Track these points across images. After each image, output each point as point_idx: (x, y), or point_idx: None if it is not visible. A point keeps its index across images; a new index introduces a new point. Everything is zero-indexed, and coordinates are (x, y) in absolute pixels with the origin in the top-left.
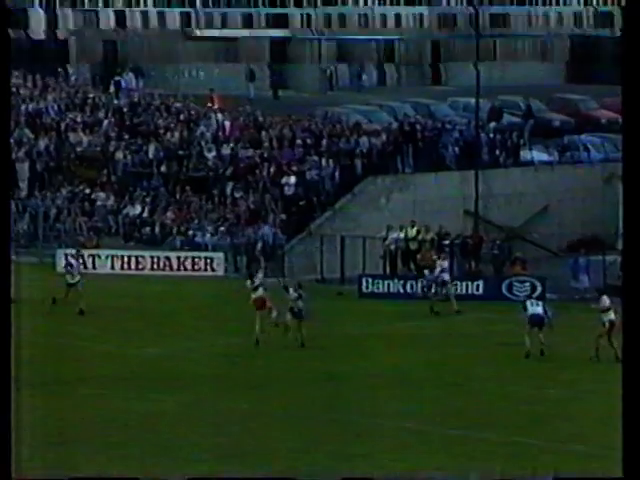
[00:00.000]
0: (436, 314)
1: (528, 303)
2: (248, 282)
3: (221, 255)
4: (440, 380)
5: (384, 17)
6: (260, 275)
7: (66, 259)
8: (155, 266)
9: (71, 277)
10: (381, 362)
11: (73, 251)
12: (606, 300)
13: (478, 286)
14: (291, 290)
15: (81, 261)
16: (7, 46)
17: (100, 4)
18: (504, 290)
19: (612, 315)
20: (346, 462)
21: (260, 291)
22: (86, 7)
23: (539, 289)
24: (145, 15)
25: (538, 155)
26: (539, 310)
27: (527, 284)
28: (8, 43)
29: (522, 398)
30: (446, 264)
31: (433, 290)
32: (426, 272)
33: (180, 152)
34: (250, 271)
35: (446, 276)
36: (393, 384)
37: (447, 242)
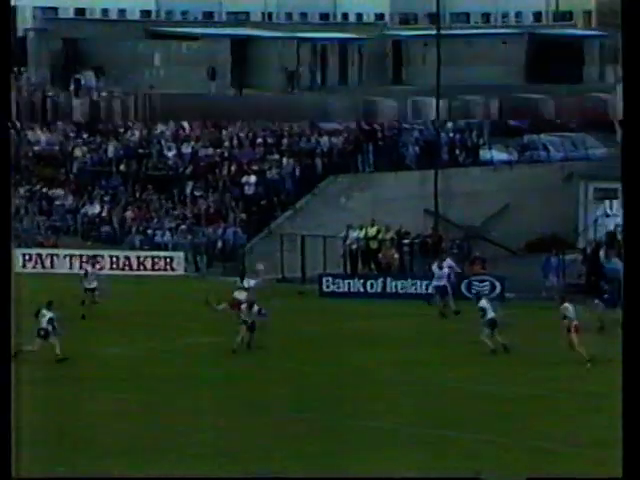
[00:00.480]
0: (446, 315)
1: (484, 305)
2: (238, 280)
3: (181, 254)
4: (405, 379)
5: (345, 16)
6: (252, 281)
7: (80, 266)
8: (114, 265)
9: (88, 283)
10: (345, 361)
11: (84, 258)
12: (568, 307)
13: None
14: (255, 307)
15: (98, 267)
16: (7, 46)
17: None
18: (463, 289)
19: (574, 320)
20: (310, 460)
21: (241, 293)
22: (46, 4)
23: (498, 288)
24: (105, 12)
25: (497, 154)
26: (492, 313)
27: (486, 283)
28: (8, 43)
29: (489, 396)
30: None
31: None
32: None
33: (140, 151)
34: (242, 271)
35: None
36: (357, 383)
37: (407, 241)
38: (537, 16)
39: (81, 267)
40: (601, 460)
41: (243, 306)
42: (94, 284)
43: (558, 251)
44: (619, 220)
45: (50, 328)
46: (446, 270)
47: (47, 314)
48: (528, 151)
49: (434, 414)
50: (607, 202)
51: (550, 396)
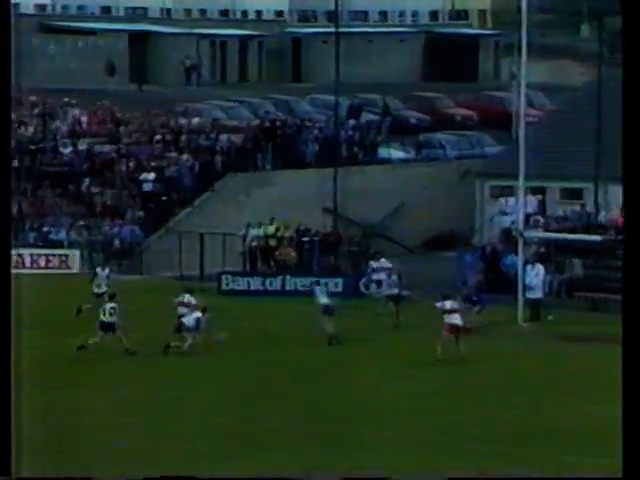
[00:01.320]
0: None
1: (318, 292)
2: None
3: (77, 252)
4: (304, 377)
5: (245, 12)
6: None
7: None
8: None
9: (98, 288)
10: (247, 359)
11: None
12: (450, 303)
13: (337, 283)
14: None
15: (107, 271)
16: (7, 45)
17: None
18: (362, 287)
19: (457, 319)
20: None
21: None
22: None
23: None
24: None
25: (395, 152)
26: (326, 300)
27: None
28: (9, 41)
29: (379, 393)
30: (377, 264)
31: (370, 290)
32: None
33: (34, 146)
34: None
35: (381, 276)
36: (260, 381)
37: (306, 239)
38: (433, 15)
39: None
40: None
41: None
42: (103, 289)
43: (464, 248)
44: (515, 217)
45: (114, 320)
46: (383, 274)
47: (108, 305)
48: (425, 149)
49: (327, 411)
50: (503, 200)
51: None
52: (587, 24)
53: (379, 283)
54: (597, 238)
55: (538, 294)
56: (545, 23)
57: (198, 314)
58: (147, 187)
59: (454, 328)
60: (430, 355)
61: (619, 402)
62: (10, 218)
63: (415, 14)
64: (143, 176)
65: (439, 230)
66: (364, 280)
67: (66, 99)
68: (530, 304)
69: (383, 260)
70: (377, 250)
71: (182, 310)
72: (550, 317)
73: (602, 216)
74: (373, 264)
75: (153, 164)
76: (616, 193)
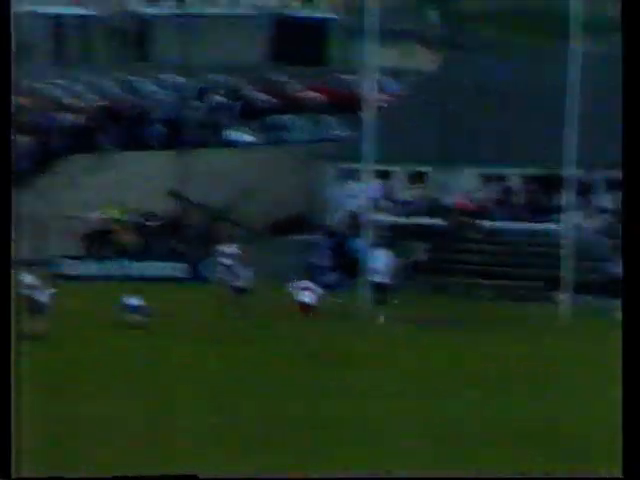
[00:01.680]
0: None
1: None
2: None
3: None
4: (158, 366)
5: None
6: None
7: None
8: None
9: None
10: (79, 345)
11: None
12: (301, 284)
13: (181, 267)
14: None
15: None
16: (8, 43)
17: None
18: (205, 272)
19: (308, 297)
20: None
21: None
22: None
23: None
24: None
25: (242, 135)
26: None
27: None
28: (9, 39)
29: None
30: (225, 249)
31: (217, 275)
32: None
33: None
34: None
35: (229, 262)
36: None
37: (150, 223)
38: None
39: None
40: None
41: None
42: None
43: (312, 232)
44: (361, 201)
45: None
46: (231, 260)
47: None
48: (272, 132)
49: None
50: (350, 183)
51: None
52: (436, 10)
53: (226, 268)
54: (441, 222)
55: (384, 278)
56: (395, 8)
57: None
58: None
59: (305, 306)
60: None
61: (463, 387)
62: (10, 221)
63: None
64: None
65: (287, 214)
66: (210, 265)
67: None
68: (376, 288)
69: (231, 245)
70: (225, 234)
71: (29, 291)
72: (396, 301)
73: (446, 200)
74: (221, 249)
75: None
76: (459, 177)
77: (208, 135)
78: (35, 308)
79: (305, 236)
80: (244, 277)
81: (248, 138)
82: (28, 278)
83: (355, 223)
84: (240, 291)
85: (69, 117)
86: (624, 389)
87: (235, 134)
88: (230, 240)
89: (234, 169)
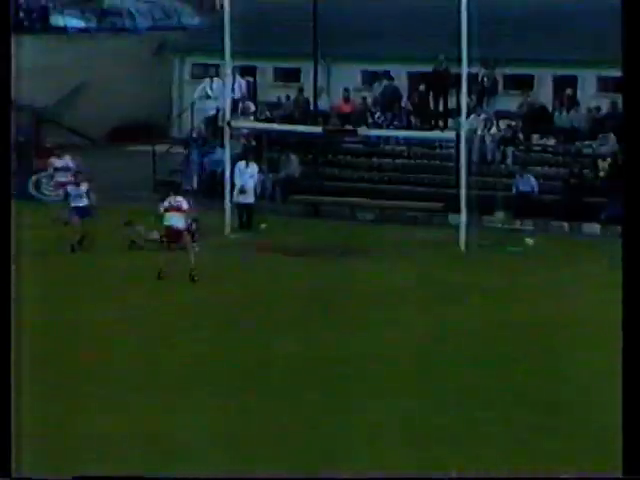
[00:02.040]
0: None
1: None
2: None
3: None
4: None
5: None
6: None
7: None
8: None
9: None
10: None
11: None
12: (171, 201)
13: None
14: None
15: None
16: (7, 41)
17: None
18: (31, 189)
19: (177, 221)
20: None
21: None
22: None
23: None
24: None
25: (71, 20)
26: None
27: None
28: (9, 37)
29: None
30: (59, 162)
31: (47, 193)
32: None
33: None
34: None
35: (66, 178)
36: None
37: None
38: None
39: None
40: None
41: None
42: None
43: (161, 140)
44: (221, 103)
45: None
46: (84, 188)
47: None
48: (110, 18)
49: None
50: (207, 81)
51: None
52: None
53: (62, 186)
54: (317, 129)
55: (250, 199)
56: None
57: None
58: None
59: (173, 232)
60: None
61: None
62: (10, 218)
63: None
64: None
65: (129, 118)
66: (38, 180)
67: None
68: (241, 210)
69: (67, 157)
70: (60, 143)
71: None
72: (263, 225)
73: (323, 102)
74: (55, 162)
75: None
76: (339, 74)
77: (29, 19)
78: None
79: (154, 145)
80: (83, 196)
81: (80, 24)
82: None
83: (214, 131)
84: (82, 213)
85: None
86: (624, 389)
87: (63, 18)
88: (61, 150)
89: (63, 61)
